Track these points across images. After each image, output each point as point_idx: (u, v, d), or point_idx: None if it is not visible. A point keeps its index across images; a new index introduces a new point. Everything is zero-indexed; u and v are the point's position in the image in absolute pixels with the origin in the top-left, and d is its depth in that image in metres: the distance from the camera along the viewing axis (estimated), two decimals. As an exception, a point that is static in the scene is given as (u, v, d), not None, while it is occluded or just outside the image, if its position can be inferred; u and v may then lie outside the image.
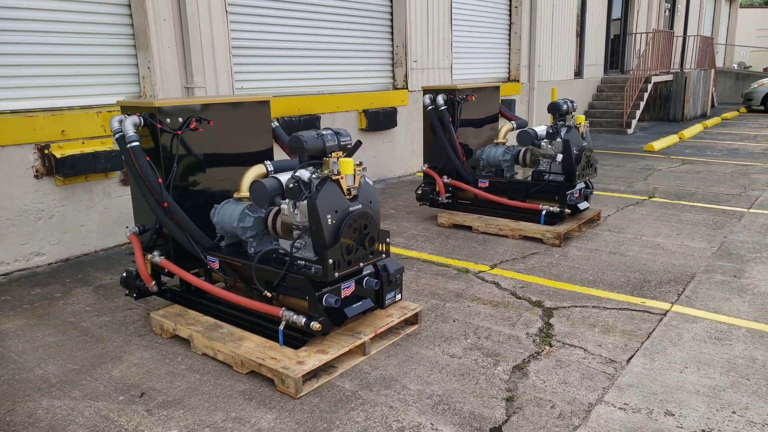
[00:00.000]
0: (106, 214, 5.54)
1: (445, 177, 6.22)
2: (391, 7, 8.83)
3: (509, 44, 12.22)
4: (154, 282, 3.79)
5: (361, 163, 3.33)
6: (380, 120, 8.47)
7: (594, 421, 2.78)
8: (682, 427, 2.73)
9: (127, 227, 5.54)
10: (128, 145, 3.51)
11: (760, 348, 3.47)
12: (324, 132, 3.30)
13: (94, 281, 4.75)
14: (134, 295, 3.87)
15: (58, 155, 5.04)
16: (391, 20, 8.89)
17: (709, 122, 16.05)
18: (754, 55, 39.10)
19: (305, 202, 3.18)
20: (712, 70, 19.30)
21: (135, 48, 5.76)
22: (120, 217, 5.64)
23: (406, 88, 9.09)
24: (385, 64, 8.97)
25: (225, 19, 6.28)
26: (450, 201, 6.32)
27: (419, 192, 6.41)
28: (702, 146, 11.97)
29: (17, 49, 4.98)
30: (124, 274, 3.89)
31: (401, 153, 9.13)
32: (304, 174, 3.22)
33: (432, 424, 2.78)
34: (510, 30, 12.14)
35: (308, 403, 2.97)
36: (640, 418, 2.81)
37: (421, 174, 9.27)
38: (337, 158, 3.26)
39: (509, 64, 12.34)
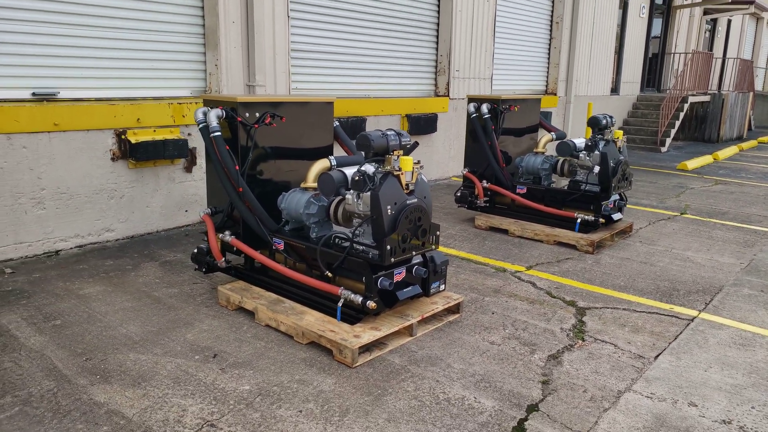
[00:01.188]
0: (169, 197, 5.97)
1: (484, 181, 6.53)
2: (438, 17, 9.19)
3: (548, 58, 12.47)
4: (223, 259, 4.19)
5: (419, 162, 3.68)
6: (421, 125, 8.82)
7: (623, 406, 3.08)
8: (704, 417, 3.00)
9: (186, 211, 6.01)
10: (212, 135, 3.91)
11: (781, 355, 3.72)
12: (388, 132, 3.65)
13: (159, 257, 5.18)
14: (203, 269, 4.28)
15: (132, 141, 5.49)
16: (437, 30, 9.24)
17: (745, 145, 16.06)
18: (795, 80, 38.53)
19: (369, 193, 3.53)
20: (751, 93, 19.24)
21: (204, 47, 6.20)
22: (181, 201, 6.07)
23: (448, 95, 9.42)
24: (429, 72, 9.32)
25: (287, 24, 6.70)
26: (487, 205, 6.63)
27: (458, 194, 6.73)
28: (736, 168, 12.06)
29: (103, 44, 5.45)
30: (195, 251, 4.29)
31: (438, 157, 9.46)
32: (369, 168, 3.57)
33: (475, 398, 3.10)
34: (550, 44, 12.40)
35: (363, 372, 3.32)
36: (666, 406, 3.09)
37: (457, 179, 9.60)
38: (398, 156, 3.61)
39: (547, 77, 12.59)
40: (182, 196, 6.09)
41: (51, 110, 5.00)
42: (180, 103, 5.87)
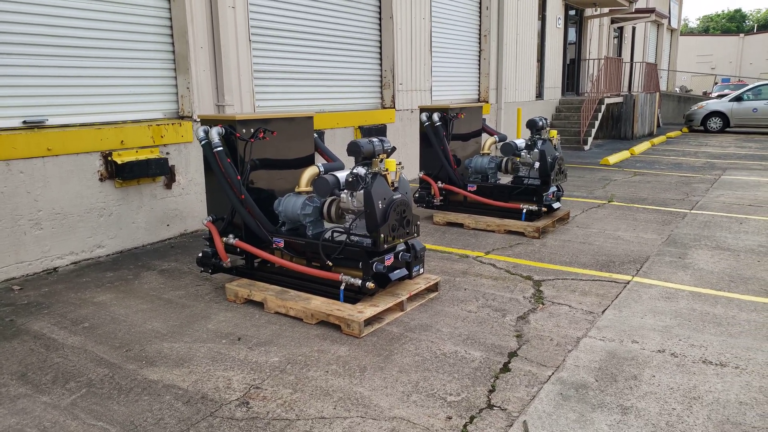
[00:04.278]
0: (152, 213, 6.38)
1: (439, 182, 7.29)
2: (380, 36, 9.94)
3: (479, 69, 13.50)
4: (229, 259, 4.70)
5: (400, 163, 4.36)
6: (373, 135, 9.51)
7: (582, 347, 3.85)
8: (644, 349, 3.81)
9: (168, 225, 6.43)
10: (214, 150, 4.44)
11: (698, 303, 4.62)
12: (373, 140, 4.30)
13: (155, 267, 5.60)
14: (210, 271, 4.78)
15: (118, 161, 5.89)
16: (380, 48, 9.99)
17: (656, 140, 17.71)
18: (694, 79, 42.12)
19: (362, 191, 4.17)
20: (657, 93, 21.14)
21: (175, 71, 6.66)
22: (163, 216, 6.48)
23: (394, 107, 10.18)
24: (375, 86, 10.05)
25: (249, 47, 7.25)
26: (443, 203, 7.38)
27: (416, 195, 7.46)
28: (651, 161, 13.44)
29: (85, 72, 5.83)
30: (201, 255, 4.79)
31: (390, 165, 10.16)
32: (361, 170, 4.21)
33: (465, 351, 3.79)
34: (480, 56, 13.43)
35: (369, 340, 3.94)
36: (614, 345, 3.88)
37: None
38: (382, 159, 4.28)
39: (479, 86, 13.61)
40: (164, 212, 6.50)
41: (44, 136, 5.36)
42: (158, 125, 6.31)
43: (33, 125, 5.45)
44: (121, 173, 5.90)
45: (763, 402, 3.15)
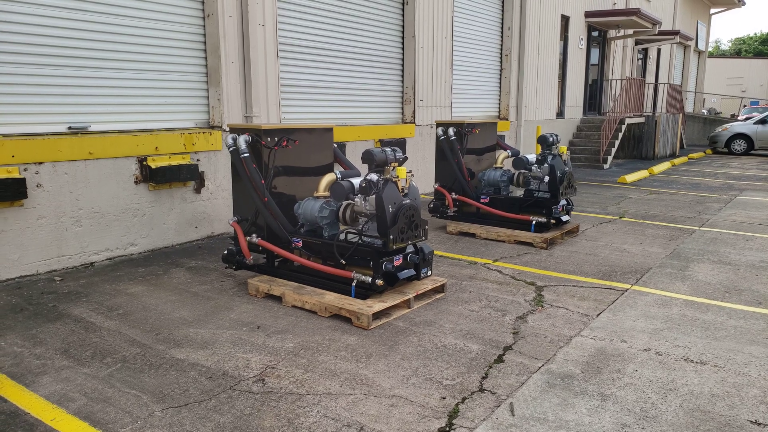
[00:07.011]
0: (182, 215, 6.83)
1: (453, 194, 7.63)
2: (403, 54, 10.38)
3: (500, 87, 13.85)
4: (252, 257, 5.10)
5: (411, 171, 4.72)
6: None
7: (573, 344, 4.13)
8: (631, 348, 4.08)
9: (196, 227, 6.87)
10: (241, 156, 4.87)
11: (690, 310, 4.86)
12: (386, 149, 4.68)
13: (183, 264, 6.03)
14: (234, 267, 5.18)
15: (152, 166, 6.36)
16: (402, 65, 10.42)
17: (677, 161, 17.79)
18: (723, 101, 41.81)
19: (374, 196, 4.54)
20: (680, 115, 21.21)
21: (207, 84, 7.15)
22: (192, 218, 6.93)
23: (414, 122, 10.57)
24: (397, 102, 10.47)
25: (276, 62, 7.72)
26: (456, 213, 7.71)
27: (431, 206, 7.80)
28: (669, 180, 13.58)
29: (125, 83, 6.34)
30: (226, 252, 5.20)
31: (409, 178, 10.54)
32: (374, 177, 4.59)
33: (464, 344, 4.11)
34: (501, 74, 13.78)
35: (377, 332, 4.28)
36: (604, 343, 4.16)
37: (425, 195, 10.70)
38: (394, 167, 4.64)
39: (500, 104, 13.95)
40: (193, 214, 6.95)
41: (86, 141, 5.85)
42: (190, 133, 6.79)
43: (77, 131, 5.95)
44: (155, 177, 6.37)
45: (734, 395, 3.41)
